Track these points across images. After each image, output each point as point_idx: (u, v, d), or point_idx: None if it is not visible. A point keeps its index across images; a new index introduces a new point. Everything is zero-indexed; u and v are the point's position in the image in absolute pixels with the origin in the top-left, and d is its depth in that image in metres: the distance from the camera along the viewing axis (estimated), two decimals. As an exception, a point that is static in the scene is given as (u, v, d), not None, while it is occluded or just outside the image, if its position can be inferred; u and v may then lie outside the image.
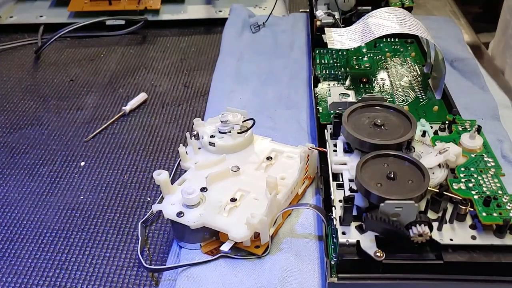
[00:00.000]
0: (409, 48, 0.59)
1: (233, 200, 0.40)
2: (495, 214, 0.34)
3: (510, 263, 0.33)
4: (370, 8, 0.60)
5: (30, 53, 0.71)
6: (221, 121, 0.45)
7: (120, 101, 0.61)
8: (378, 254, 0.33)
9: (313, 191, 0.45)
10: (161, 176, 0.40)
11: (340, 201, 0.36)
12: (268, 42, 0.69)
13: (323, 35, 0.57)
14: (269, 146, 0.46)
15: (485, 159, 0.39)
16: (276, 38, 0.70)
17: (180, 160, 0.45)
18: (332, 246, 0.36)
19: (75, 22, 0.71)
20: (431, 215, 0.35)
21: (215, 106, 0.56)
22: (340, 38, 0.50)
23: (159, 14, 0.78)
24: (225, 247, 0.38)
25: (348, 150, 0.40)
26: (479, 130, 0.41)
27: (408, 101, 0.50)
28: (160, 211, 0.40)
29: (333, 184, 0.38)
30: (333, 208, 0.36)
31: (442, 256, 0.33)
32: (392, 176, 0.35)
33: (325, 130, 0.44)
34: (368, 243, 0.34)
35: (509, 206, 0.35)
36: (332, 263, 0.35)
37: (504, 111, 0.54)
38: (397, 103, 0.49)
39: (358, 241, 0.34)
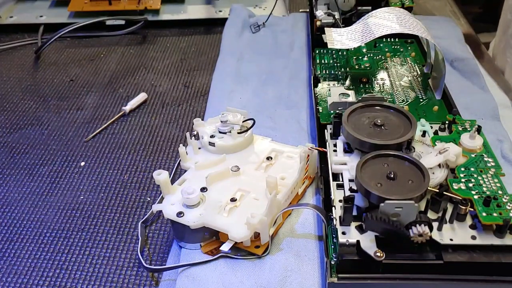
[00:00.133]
0: (409, 48, 0.59)
1: (233, 200, 0.40)
2: (495, 214, 0.34)
3: (510, 263, 0.33)
4: (370, 8, 0.60)
5: (30, 53, 0.71)
6: (221, 121, 0.45)
7: (120, 101, 0.61)
8: (378, 254, 0.33)
9: (313, 191, 0.45)
10: (161, 176, 0.40)
11: (340, 201, 0.36)
12: (268, 42, 0.69)
13: (323, 35, 0.57)
14: (269, 146, 0.46)
15: (485, 159, 0.39)
16: (276, 38, 0.70)
17: (180, 160, 0.45)
18: (332, 246, 0.36)
19: (75, 22, 0.71)
20: (431, 215, 0.35)
21: (215, 106, 0.56)
22: (340, 38, 0.50)
23: (159, 14, 0.78)
24: (225, 247, 0.38)
25: (348, 150, 0.40)
26: (479, 130, 0.41)
27: (408, 101, 0.50)
28: (160, 211, 0.40)
29: (333, 184, 0.38)
30: (333, 208, 0.36)
31: (442, 256, 0.33)
32: (392, 176, 0.35)
33: (325, 130, 0.44)
34: (368, 243, 0.34)
35: (509, 206, 0.35)
36: (332, 263, 0.35)
37: (504, 111, 0.54)
38: (397, 103, 0.49)
39: (358, 241, 0.34)
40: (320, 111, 0.48)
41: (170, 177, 0.41)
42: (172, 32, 0.76)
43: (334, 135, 0.42)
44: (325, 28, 0.52)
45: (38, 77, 0.66)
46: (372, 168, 0.36)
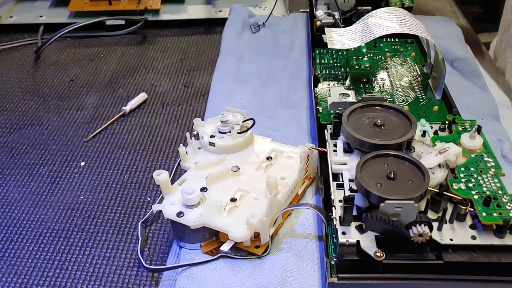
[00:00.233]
0: (409, 48, 0.59)
1: (233, 200, 0.40)
2: (495, 214, 0.34)
3: (510, 263, 0.33)
4: (370, 8, 0.60)
5: (30, 53, 0.71)
6: (221, 121, 0.45)
7: (120, 101, 0.61)
8: (378, 254, 0.33)
9: (313, 191, 0.45)
10: (161, 176, 0.40)
11: (340, 201, 0.36)
12: (268, 42, 0.69)
13: (323, 35, 0.57)
14: (269, 146, 0.46)
15: (485, 159, 0.39)
16: (276, 38, 0.70)
17: (180, 160, 0.45)
18: (332, 246, 0.36)
19: (75, 22, 0.71)
20: (431, 215, 0.35)
21: (215, 106, 0.56)
22: (340, 38, 0.50)
23: (159, 14, 0.78)
24: (225, 247, 0.38)
25: (348, 150, 0.40)
26: (479, 130, 0.41)
27: (408, 101, 0.50)
28: (160, 211, 0.40)
29: (333, 184, 0.38)
30: (333, 208, 0.36)
31: (442, 256, 0.33)
32: (392, 176, 0.35)
33: (325, 130, 0.44)
34: (368, 243, 0.34)
35: (509, 206, 0.35)
36: (332, 263, 0.35)
37: (504, 111, 0.54)
38: (397, 103, 0.49)
39: (358, 241, 0.34)
40: (320, 111, 0.48)
41: (170, 177, 0.41)
42: (172, 32, 0.76)
43: (334, 135, 0.42)
44: (325, 28, 0.52)
45: (38, 77, 0.66)
46: (372, 168, 0.36)
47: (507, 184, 0.37)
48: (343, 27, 0.54)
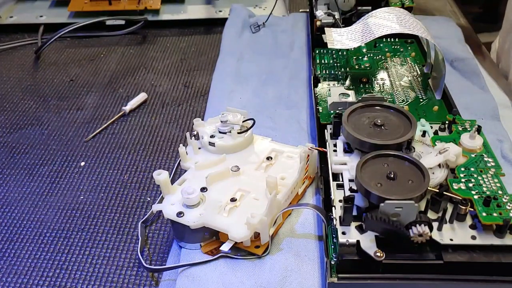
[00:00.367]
0: (409, 48, 0.59)
1: (233, 200, 0.40)
2: (495, 214, 0.34)
3: (510, 263, 0.33)
4: (370, 8, 0.60)
5: (30, 53, 0.71)
6: (221, 121, 0.45)
7: (120, 101, 0.61)
8: (378, 254, 0.33)
9: (313, 191, 0.45)
10: (161, 176, 0.40)
11: (340, 201, 0.36)
12: (268, 42, 0.69)
13: (323, 35, 0.57)
14: (269, 146, 0.46)
15: (485, 159, 0.39)
16: (276, 38, 0.70)
17: (180, 160, 0.45)
18: (332, 246, 0.36)
19: (75, 22, 0.71)
20: (431, 215, 0.35)
21: (215, 106, 0.56)
22: (340, 38, 0.50)
23: (159, 14, 0.78)
24: (225, 247, 0.38)
25: (348, 150, 0.40)
26: (479, 130, 0.41)
27: (408, 101, 0.50)
28: (160, 211, 0.40)
29: (333, 184, 0.38)
30: (333, 208, 0.36)
31: (442, 256, 0.33)
32: (392, 176, 0.35)
33: (325, 130, 0.44)
34: (368, 243, 0.34)
35: (509, 206, 0.35)
36: (332, 263, 0.35)
37: (504, 111, 0.54)
38: (397, 103, 0.49)
39: (358, 241, 0.34)
40: (320, 111, 0.48)
41: (170, 177, 0.41)
42: (172, 32, 0.76)
43: (334, 135, 0.42)
44: (325, 28, 0.52)
45: (38, 77, 0.66)
46: (372, 168, 0.36)
47: (507, 184, 0.37)
48: (343, 27, 0.54)
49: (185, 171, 0.44)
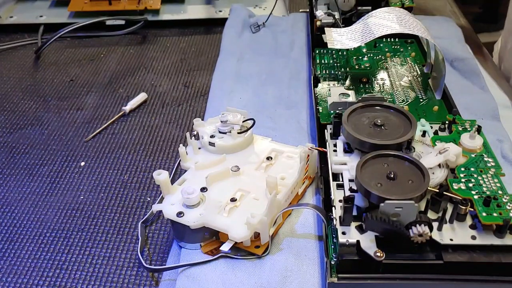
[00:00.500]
0: (409, 48, 0.59)
1: (233, 200, 0.40)
2: (495, 214, 0.34)
3: (510, 263, 0.33)
4: (370, 8, 0.60)
5: (30, 53, 0.71)
6: (221, 121, 0.45)
7: (120, 101, 0.61)
8: (378, 254, 0.33)
9: (313, 191, 0.45)
10: (161, 176, 0.40)
11: (340, 201, 0.36)
12: (268, 42, 0.69)
13: (323, 35, 0.57)
14: (269, 146, 0.46)
15: (485, 159, 0.39)
16: (276, 38, 0.70)
17: (180, 160, 0.45)
18: (332, 246, 0.36)
19: (75, 22, 0.71)
20: (431, 215, 0.35)
21: (215, 106, 0.56)
22: (340, 38, 0.50)
23: (159, 14, 0.78)
24: (225, 247, 0.38)
25: (348, 150, 0.40)
26: (479, 130, 0.41)
27: (408, 101, 0.50)
28: (160, 211, 0.40)
29: (333, 184, 0.38)
30: (333, 208, 0.36)
31: (442, 256, 0.33)
32: (392, 176, 0.35)
33: (325, 130, 0.44)
34: (368, 243, 0.34)
35: (509, 206, 0.35)
36: (332, 263, 0.35)
37: (504, 111, 0.54)
38: (397, 103, 0.49)
39: (358, 241, 0.34)
40: (320, 111, 0.48)
41: (170, 177, 0.41)
42: (172, 32, 0.76)
43: (334, 135, 0.42)
44: (325, 28, 0.52)
45: (38, 77, 0.66)
46: (372, 168, 0.36)
47: (507, 184, 0.37)
48: (343, 27, 0.54)
49: (185, 171, 0.44)
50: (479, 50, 0.68)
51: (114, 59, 0.70)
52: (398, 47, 0.59)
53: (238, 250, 0.39)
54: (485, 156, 0.39)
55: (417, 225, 0.33)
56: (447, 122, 0.43)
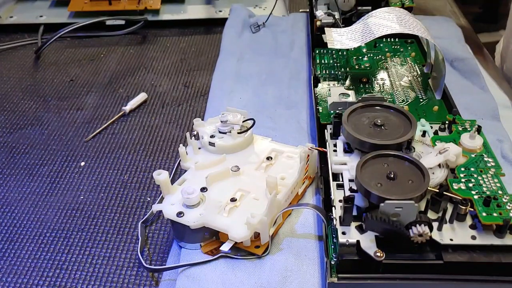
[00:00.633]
0: (409, 48, 0.59)
1: (233, 200, 0.40)
2: (495, 214, 0.34)
3: (510, 263, 0.33)
4: (370, 8, 0.60)
5: (30, 53, 0.71)
6: (221, 121, 0.45)
7: (120, 101, 0.61)
8: (378, 254, 0.33)
9: (313, 191, 0.45)
10: (161, 176, 0.40)
11: (340, 201, 0.36)
12: (268, 42, 0.69)
13: (323, 35, 0.57)
14: (269, 146, 0.46)
15: (485, 159, 0.39)
16: (276, 38, 0.70)
17: (180, 160, 0.45)
18: (332, 246, 0.36)
19: (75, 22, 0.71)
20: (431, 215, 0.35)
21: (215, 106, 0.56)
22: (340, 38, 0.50)
23: (159, 14, 0.78)
24: (225, 247, 0.38)
25: (348, 150, 0.40)
26: (479, 130, 0.41)
27: (408, 101, 0.50)
28: (160, 211, 0.40)
29: (333, 184, 0.38)
30: (333, 208, 0.36)
31: (442, 256, 0.33)
32: (392, 176, 0.35)
33: (325, 130, 0.44)
34: (368, 243, 0.34)
35: (509, 206, 0.35)
36: (332, 263, 0.35)
37: (504, 111, 0.54)
38: (397, 103, 0.49)
39: (358, 241, 0.34)
40: (320, 111, 0.48)
41: (170, 177, 0.41)
42: (172, 32, 0.76)
43: (334, 135, 0.42)
44: (325, 28, 0.52)
45: (38, 77, 0.66)
46: (372, 168, 0.36)
47: (507, 184, 0.37)
48: (343, 27, 0.54)
49: (185, 171, 0.44)
50: (479, 50, 0.68)
51: (114, 59, 0.70)
52: (398, 47, 0.59)
53: (238, 250, 0.39)
54: (485, 156, 0.39)
55: (417, 225, 0.33)
56: (447, 122, 0.43)
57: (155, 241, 0.43)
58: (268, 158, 0.44)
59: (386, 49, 0.59)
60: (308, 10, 0.74)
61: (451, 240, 0.34)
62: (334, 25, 0.58)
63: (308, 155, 0.43)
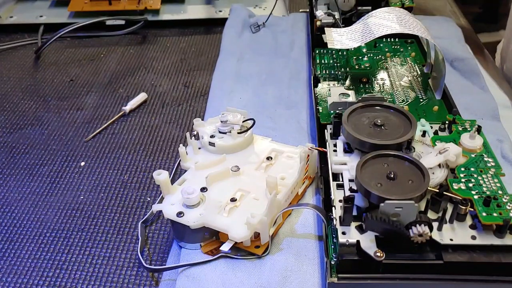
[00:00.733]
0: (409, 48, 0.59)
1: (233, 200, 0.40)
2: (495, 214, 0.34)
3: (510, 263, 0.33)
4: (370, 8, 0.60)
5: (30, 53, 0.71)
6: (221, 121, 0.45)
7: (120, 101, 0.61)
8: (378, 254, 0.33)
9: (313, 191, 0.45)
10: (161, 176, 0.40)
11: (340, 201, 0.36)
12: (268, 42, 0.69)
13: (323, 35, 0.57)
14: (269, 146, 0.46)
15: (485, 159, 0.39)
16: (276, 38, 0.70)
17: (180, 160, 0.45)
18: (332, 246, 0.36)
19: (75, 22, 0.71)
20: (431, 215, 0.35)
21: (215, 106, 0.56)
22: (340, 38, 0.50)
23: (159, 14, 0.78)
24: (225, 247, 0.38)
25: (348, 150, 0.40)
26: (479, 130, 0.41)
27: (408, 101, 0.50)
28: (160, 211, 0.40)
29: (333, 184, 0.38)
30: (333, 208, 0.36)
31: (442, 256, 0.33)
32: (392, 176, 0.35)
33: (325, 130, 0.44)
34: (368, 243, 0.34)
35: (509, 206, 0.35)
36: (332, 263, 0.35)
37: (504, 111, 0.54)
38: (397, 103, 0.49)
39: (358, 241, 0.34)
40: (320, 111, 0.48)
41: (170, 177, 0.41)
42: (172, 32, 0.76)
43: (334, 135, 0.42)
44: (325, 28, 0.52)
45: (38, 77, 0.66)
46: (372, 168, 0.36)
47: (507, 184, 0.37)
48: (343, 27, 0.54)
49: (185, 171, 0.44)
50: (479, 50, 0.68)
51: (114, 59, 0.70)
52: (398, 47, 0.59)
53: (238, 250, 0.39)
54: (485, 156, 0.39)
55: (417, 225, 0.33)
56: (447, 122, 0.43)
57: (155, 241, 0.43)
58: (268, 158, 0.44)
59: (386, 49, 0.59)
60: (308, 10, 0.74)
61: (451, 240, 0.34)
62: (334, 25, 0.58)
63: (308, 155, 0.43)
